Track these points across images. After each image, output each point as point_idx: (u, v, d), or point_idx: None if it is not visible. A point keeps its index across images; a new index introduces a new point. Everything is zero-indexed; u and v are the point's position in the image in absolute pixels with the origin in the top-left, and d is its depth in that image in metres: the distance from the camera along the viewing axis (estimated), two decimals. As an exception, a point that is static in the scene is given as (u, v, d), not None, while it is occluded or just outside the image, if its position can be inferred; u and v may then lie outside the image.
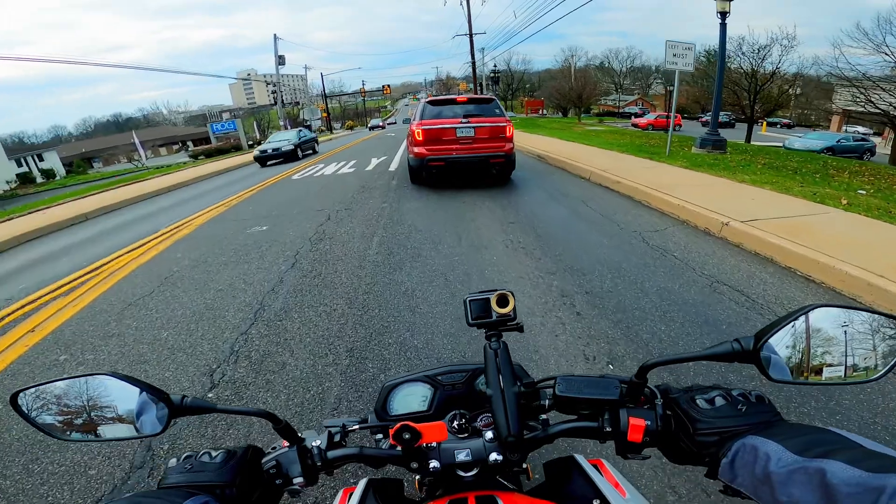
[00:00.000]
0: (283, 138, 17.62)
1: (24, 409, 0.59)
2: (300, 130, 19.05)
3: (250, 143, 36.26)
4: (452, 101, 7.69)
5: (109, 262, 5.36)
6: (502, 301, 0.69)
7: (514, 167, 7.68)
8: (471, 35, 30.49)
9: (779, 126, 43.03)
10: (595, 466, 0.71)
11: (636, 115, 43.45)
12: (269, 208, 7.42)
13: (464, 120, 7.16)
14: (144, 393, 0.59)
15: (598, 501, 0.60)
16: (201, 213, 7.80)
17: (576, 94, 45.63)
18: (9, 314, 4.01)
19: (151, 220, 7.91)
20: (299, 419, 2.21)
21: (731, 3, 9.24)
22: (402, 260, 4.27)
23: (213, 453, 0.61)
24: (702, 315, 2.94)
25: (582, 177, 8.23)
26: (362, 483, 0.70)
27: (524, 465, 0.77)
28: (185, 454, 0.61)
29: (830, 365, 0.53)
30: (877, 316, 0.52)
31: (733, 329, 2.77)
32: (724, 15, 9.30)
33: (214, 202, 8.82)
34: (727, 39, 9.91)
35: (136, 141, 28.00)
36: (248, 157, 21.32)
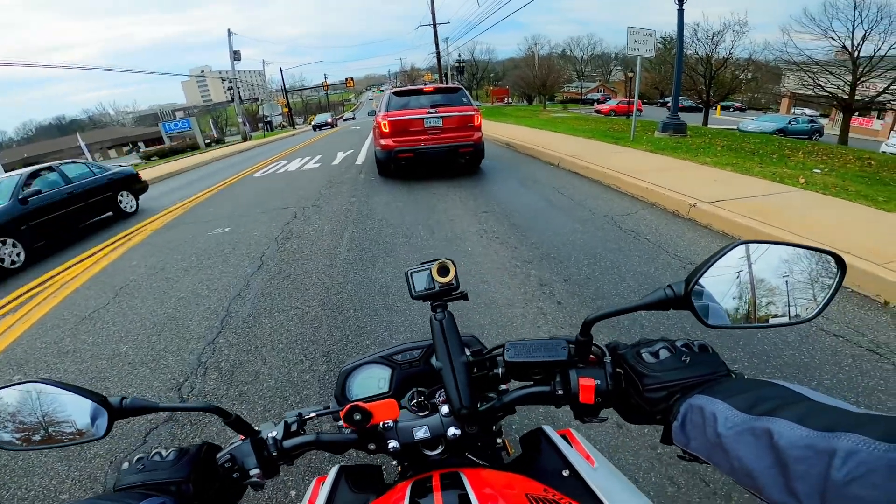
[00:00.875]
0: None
1: None
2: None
3: (207, 141, 34.81)
4: (419, 92, 7.53)
5: (58, 273, 4.99)
6: (443, 270, 0.66)
7: (483, 156, 7.61)
8: (434, 25, 30.09)
9: (731, 109, 44.84)
10: (564, 437, 0.70)
11: (599, 102, 44.28)
12: (231, 208, 7.09)
13: (431, 110, 7.02)
14: (80, 397, 0.57)
15: (568, 472, 0.60)
16: (156, 217, 7.37)
17: (540, 82, 46.01)
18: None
19: (100, 228, 7.42)
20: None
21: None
22: (374, 256, 4.14)
23: (164, 452, 0.59)
24: (678, 296, 2.97)
25: (551, 163, 8.25)
26: (333, 470, 0.70)
27: (500, 440, 0.76)
28: (137, 456, 0.59)
29: (766, 305, 0.51)
30: (805, 251, 0.51)
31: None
32: (681, 1, 9.49)
33: (169, 205, 8.37)
34: (684, 26, 10.12)
35: (82, 143, 26.24)
36: (205, 156, 20.45)
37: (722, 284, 0.51)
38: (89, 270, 4.88)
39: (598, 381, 0.56)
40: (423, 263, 0.68)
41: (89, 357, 2.97)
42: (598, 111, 36.54)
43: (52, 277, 4.86)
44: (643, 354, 0.54)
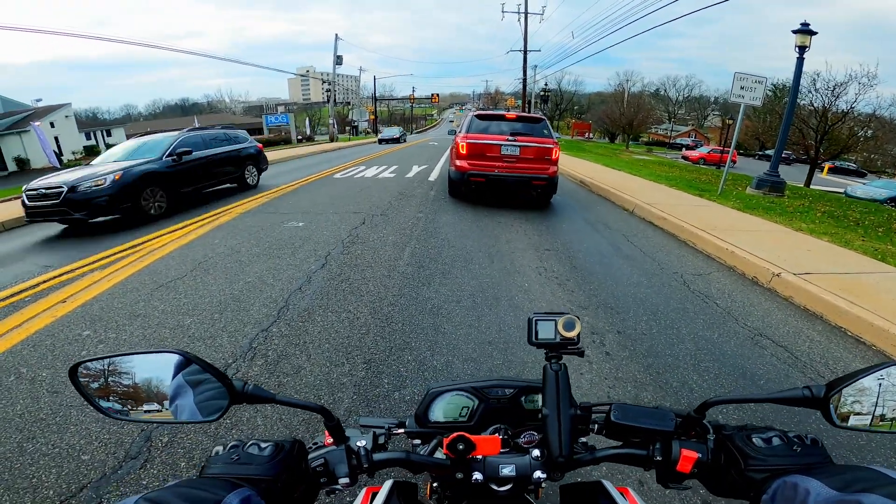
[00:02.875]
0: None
1: (81, 382, 0.57)
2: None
3: (299, 137, 37.43)
4: (501, 118, 7.54)
5: (152, 239, 5.57)
6: (569, 325, 0.69)
7: (555, 191, 7.48)
8: (525, 51, 30.48)
9: (846, 170, 40.59)
10: (622, 494, 0.71)
11: (687, 147, 41.98)
12: (308, 205, 7.57)
13: (510, 137, 7.01)
14: (207, 375, 0.58)
15: None
16: (242, 202, 8.04)
17: (626, 120, 44.56)
18: (45, 280, 4.19)
19: (198, 204, 8.22)
20: (305, 427, 2.16)
21: (812, 37, 8.76)
22: (431, 275, 4.21)
23: (263, 445, 0.59)
24: (739, 368, 2.74)
25: (625, 209, 7.96)
26: (388, 484, 0.72)
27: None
28: (232, 443, 0.59)
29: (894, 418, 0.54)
30: None
31: (770, 385, 2.59)
32: (802, 49, 8.78)
33: (255, 194, 9.10)
34: (801, 74, 9.38)
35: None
36: (295, 151, 22.05)
37: (854, 390, 0.55)
38: (178, 241, 5.42)
39: (701, 455, 0.59)
40: (548, 314, 0.70)
41: (156, 324, 3.25)
42: (685, 157, 34.69)
43: (144, 242, 5.45)
44: (753, 438, 0.57)
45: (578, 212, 7.47)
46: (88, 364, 0.58)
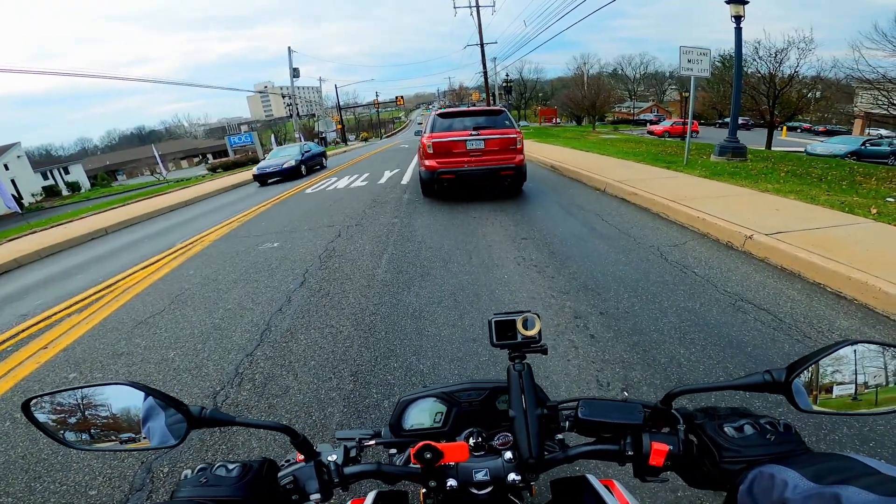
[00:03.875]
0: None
1: (35, 416, 0.58)
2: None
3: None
4: (463, 114, 7.80)
5: (125, 277, 5.42)
6: (529, 323, 0.69)
7: (525, 179, 7.61)
8: (482, 45, 30.64)
9: (799, 130, 42.02)
10: (607, 487, 0.71)
11: (651, 122, 42.84)
12: (282, 224, 7.46)
13: (474, 132, 7.15)
14: (162, 403, 0.58)
15: None
16: (216, 228, 7.88)
17: (589, 102, 45.14)
18: (24, 329, 4.08)
19: (167, 236, 8.03)
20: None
21: (746, 6, 9.05)
22: (410, 279, 4.19)
23: (230, 466, 0.59)
24: (725, 337, 2.78)
25: (597, 188, 8.08)
26: (371, 495, 0.72)
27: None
28: (200, 466, 0.60)
29: (860, 397, 0.54)
30: None
31: (759, 352, 2.60)
32: (738, 19, 9.12)
33: (229, 217, 8.93)
34: (743, 44, 9.70)
35: (157, 154, 28.81)
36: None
37: (816, 371, 0.54)
38: (152, 276, 5.28)
39: (672, 447, 0.58)
40: (507, 313, 0.70)
41: (140, 360, 3.19)
42: (650, 132, 35.41)
43: (119, 281, 5.30)
44: (725, 428, 0.56)
45: (552, 197, 7.54)
46: (41, 399, 0.58)
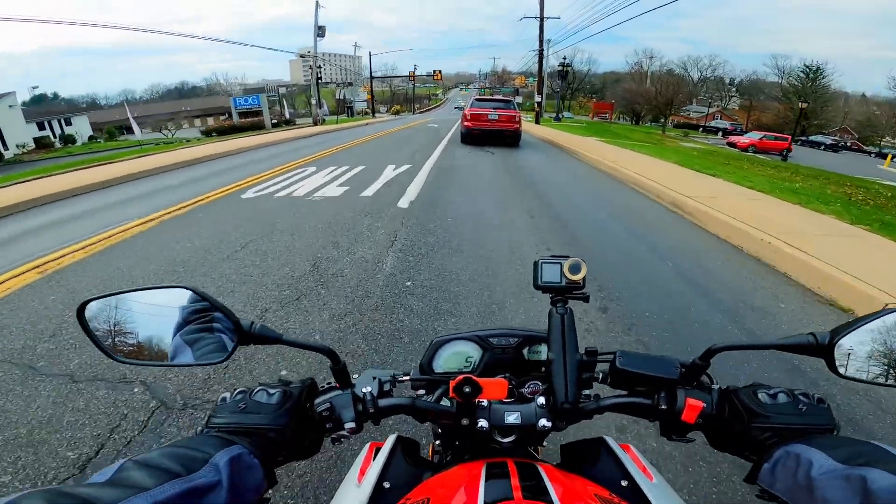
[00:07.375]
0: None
1: (88, 322, 0.54)
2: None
3: (275, 121, 33.40)
4: (488, 100, 13.71)
5: None
6: (574, 268, 0.64)
7: (519, 138, 13.01)
8: (542, 18, 25.88)
9: None
10: (623, 451, 0.67)
11: (729, 132, 36.11)
12: (137, 280, 3.80)
13: (493, 110, 12.61)
14: (217, 314, 0.55)
15: (627, 482, 0.58)
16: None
17: (664, 99, 38.76)
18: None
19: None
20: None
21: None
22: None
23: (271, 391, 0.55)
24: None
25: (766, 262, 4.10)
26: (391, 438, 0.70)
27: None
28: (239, 390, 0.56)
29: None
30: None
31: None
32: None
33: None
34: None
35: (129, 115, 25.51)
36: (245, 141, 17.98)
37: (861, 338, 0.51)
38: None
39: (706, 405, 0.57)
40: (554, 257, 0.66)
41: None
42: (731, 144, 29.49)
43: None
44: (759, 394, 0.54)
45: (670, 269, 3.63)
46: (96, 302, 0.55)
